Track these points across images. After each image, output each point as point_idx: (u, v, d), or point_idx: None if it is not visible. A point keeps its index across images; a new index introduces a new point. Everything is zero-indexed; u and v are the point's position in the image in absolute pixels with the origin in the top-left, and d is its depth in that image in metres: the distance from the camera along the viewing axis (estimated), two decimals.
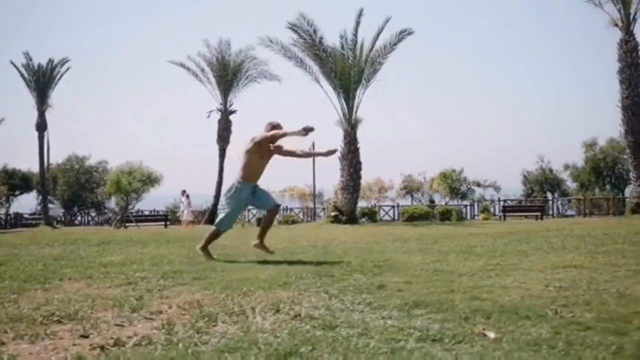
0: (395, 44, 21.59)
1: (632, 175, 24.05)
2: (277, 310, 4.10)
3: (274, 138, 7.67)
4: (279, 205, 8.36)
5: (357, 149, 21.97)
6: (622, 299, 4.38)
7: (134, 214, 32.67)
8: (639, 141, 23.84)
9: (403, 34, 21.42)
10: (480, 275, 5.70)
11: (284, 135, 7.66)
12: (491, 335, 3.38)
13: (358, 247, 9.01)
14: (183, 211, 27.32)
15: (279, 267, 6.50)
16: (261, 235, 7.84)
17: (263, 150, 7.68)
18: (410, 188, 35.07)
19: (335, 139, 22.36)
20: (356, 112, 22.21)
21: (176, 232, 18.31)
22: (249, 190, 7.61)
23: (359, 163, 21.63)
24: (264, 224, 7.96)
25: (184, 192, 27.08)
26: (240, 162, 7.67)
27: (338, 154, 22.21)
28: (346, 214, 21.19)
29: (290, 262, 7.04)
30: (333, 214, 21.70)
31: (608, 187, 39.95)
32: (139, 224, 25.81)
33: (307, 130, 7.33)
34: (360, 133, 22.45)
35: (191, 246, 9.80)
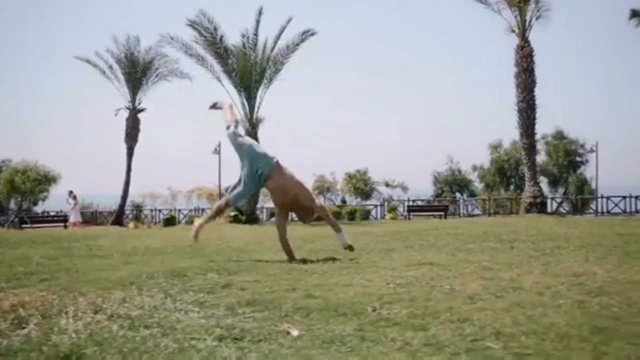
0: (298, 44, 21.62)
1: (526, 175, 25.03)
2: (97, 311, 4.00)
3: None
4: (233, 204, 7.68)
5: None
6: (449, 295, 4.51)
7: (40, 214, 31.39)
8: (533, 143, 24.91)
9: (306, 35, 21.48)
10: (332, 274, 5.74)
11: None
12: (294, 333, 3.40)
13: (233, 247, 8.95)
14: (70, 212, 26.34)
15: (136, 268, 6.37)
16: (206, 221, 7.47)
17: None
18: (322, 188, 35.27)
19: None
20: (258, 111, 22.13)
21: (66, 233, 17.76)
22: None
23: None
24: (213, 212, 7.55)
25: (70, 192, 26.15)
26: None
27: None
28: (246, 214, 21.06)
29: (153, 263, 6.92)
30: (232, 214, 21.53)
31: (512, 187, 41.52)
32: (34, 225, 24.80)
33: None
34: (264, 132, 22.46)
35: (67, 247, 9.53)
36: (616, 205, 31.46)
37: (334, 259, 6.91)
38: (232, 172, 8.03)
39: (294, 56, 22.16)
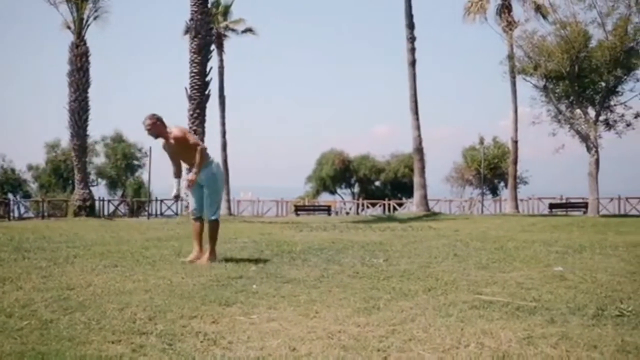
0: None
1: (76, 178, 24.34)
2: None
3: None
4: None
5: None
6: None
7: None
8: (84, 145, 24.39)
9: None
10: None
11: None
12: None
13: None
14: None
15: None
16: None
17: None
18: None
19: None
20: None
21: None
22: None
23: None
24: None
25: None
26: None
27: None
28: None
29: None
30: None
31: (70, 188, 40.21)
32: None
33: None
34: None
35: None
36: (169, 207, 33.20)
37: None
38: None
39: None
